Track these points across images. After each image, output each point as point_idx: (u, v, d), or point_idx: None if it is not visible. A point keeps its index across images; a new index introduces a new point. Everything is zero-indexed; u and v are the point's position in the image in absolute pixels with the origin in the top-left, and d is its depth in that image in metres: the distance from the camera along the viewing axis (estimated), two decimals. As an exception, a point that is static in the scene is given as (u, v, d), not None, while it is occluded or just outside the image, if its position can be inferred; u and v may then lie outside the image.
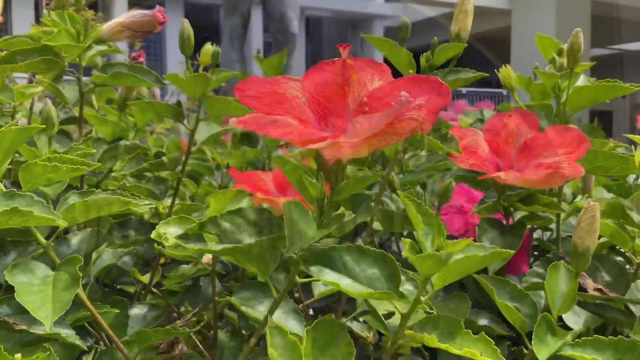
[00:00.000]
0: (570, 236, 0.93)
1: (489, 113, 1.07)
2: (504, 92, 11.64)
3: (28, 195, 0.51)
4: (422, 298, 0.51)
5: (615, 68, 16.34)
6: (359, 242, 0.97)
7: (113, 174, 0.88)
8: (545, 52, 0.94)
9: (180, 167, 0.86)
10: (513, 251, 0.51)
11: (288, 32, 3.96)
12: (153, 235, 0.60)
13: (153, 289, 0.88)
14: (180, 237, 0.51)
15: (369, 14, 14.03)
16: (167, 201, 0.90)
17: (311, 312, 0.96)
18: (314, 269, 0.50)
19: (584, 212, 0.55)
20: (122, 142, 0.87)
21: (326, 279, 0.49)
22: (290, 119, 0.47)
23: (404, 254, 0.46)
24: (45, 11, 1.19)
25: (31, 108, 1.15)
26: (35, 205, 0.50)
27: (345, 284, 0.49)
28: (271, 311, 0.55)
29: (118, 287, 1.01)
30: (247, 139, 1.40)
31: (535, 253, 0.99)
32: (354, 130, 0.43)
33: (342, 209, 0.56)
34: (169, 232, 0.61)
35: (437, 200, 0.51)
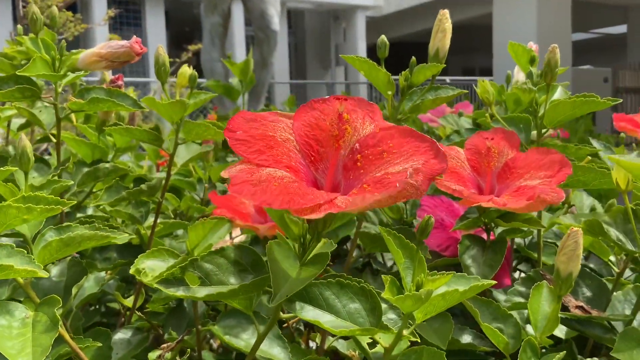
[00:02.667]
0: (552, 242, 0.94)
1: (466, 122, 1.07)
2: (488, 80, 11.68)
3: (8, 245, 0.50)
4: (404, 332, 0.51)
5: (597, 52, 16.44)
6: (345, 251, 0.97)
7: (93, 203, 0.87)
8: (518, 60, 0.95)
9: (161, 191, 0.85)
10: (494, 282, 0.52)
11: (269, 29, 3.94)
12: (132, 271, 0.60)
13: (137, 312, 0.87)
14: (161, 282, 0.51)
15: (350, 4, 13.97)
16: (151, 220, 0.90)
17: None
18: (295, 306, 0.50)
19: (566, 238, 0.56)
20: (101, 165, 0.87)
21: (307, 317, 0.49)
22: (280, 170, 0.46)
23: (384, 295, 0.46)
24: (19, 26, 1.17)
25: (9, 124, 1.14)
26: (15, 257, 0.50)
27: (327, 321, 0.49)
28: (255, 347, 0.55)
29: (106, 304, 1.02)
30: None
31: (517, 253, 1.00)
32: (353, 203, 0.42)
33: (323, 240, 0.56)
34: (147, 267, 0.61)
35: (418, 233, 0.50)
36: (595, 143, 1.07)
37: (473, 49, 15.87)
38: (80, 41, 9.25)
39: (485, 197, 0.69)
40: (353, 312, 0.51)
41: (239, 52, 10.85)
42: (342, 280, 0.52)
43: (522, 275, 1.04)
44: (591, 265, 0.99)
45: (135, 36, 0.72)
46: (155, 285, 0.51)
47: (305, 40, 14.72)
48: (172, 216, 1.18)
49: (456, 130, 0.89)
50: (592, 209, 0.97)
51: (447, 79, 12.18)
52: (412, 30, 14.46)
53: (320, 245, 0.54)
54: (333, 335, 0.75)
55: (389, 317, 0.55)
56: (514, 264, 1.01)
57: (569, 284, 0.56)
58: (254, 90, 3.84)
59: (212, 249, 0.60)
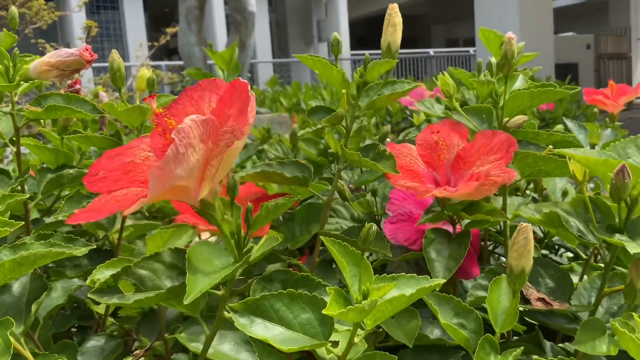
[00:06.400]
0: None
1: (438, 109, 1.06)
2: (471, 51, 11.64)
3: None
4: (355, 339, 0.51)
5: (579, 18, 16.40)
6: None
7: (53, 217, 0.86)
8: (489, 46, 0.94)
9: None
10: (442, 280, 0.52)
11: (246, 11, 3.89)
12: (88, 282, 0.60)
13: (110, 317, 0.87)
14: (95, 291, 0.51)
15: (331, -22, 13.81)
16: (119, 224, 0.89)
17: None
18: (243, 321, 0.50)
19: (516, 234, 0.56)
20: (65, 171, 0.85)
21: (256, 334, 0.49)
22: (132, 188, 0.47)
23: (325, 311, 0.46)
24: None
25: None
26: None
27: (275, 337, 0.49)
28: (205, 349, 0.55)
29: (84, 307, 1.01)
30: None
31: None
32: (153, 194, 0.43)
33: (266, 237, 0.56)
34: (105, 277, 0.61)
35: (360, 242, 0.50)
36: (569, 123, 1.07)
37: (456, 19, 15.79)
38: (57, 28, 9.13)
39: (440, 188, 0.69)
40: (305, 323, 0.50)
41: (220, 33, 10.74)
42: (292, 291, 0.51)
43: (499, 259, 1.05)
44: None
45: (85, 44, 0.71)
46: (90, 296, 0.51)
47: (287, 17, 14.58)
48: (147, 215, 1.18)
49: (427, 120, 0.89)
50: (564, 193, 0.97)
51: (431, 51, 12.12)
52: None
53: (263, 241, 0.54)
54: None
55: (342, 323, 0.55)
56: (490, 247, 1.02)
57: (523, 280, 0.56)
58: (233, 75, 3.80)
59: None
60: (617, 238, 0.57)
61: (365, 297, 0.47)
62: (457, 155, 0.74)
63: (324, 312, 0.46)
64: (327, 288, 0.48)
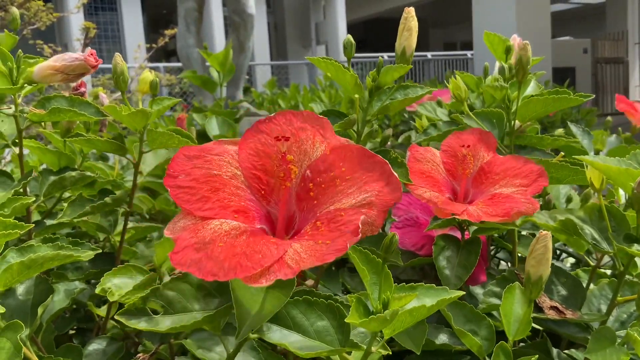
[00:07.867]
0: (531, 233, 0.93)
1: (442, 114, 1.06)
2: (469, 54, 11.64)
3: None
4: (373, 348, 0.50)
5: (576, 22, 16.44)
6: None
7: (56, 220, 0.85)
8: (494, 50, 0.93)
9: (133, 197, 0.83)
10: (462, 293, 0.51)
11: (245, 13, 3.87)
12: (98, 290, 0.59)
13: (112, 320, 0.86)
14: (123, 313, 0.50)
15: (329, -19, 13.81)
16: (121, 227, 0.88)
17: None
18: (261, 327, 0.49)
19: (535, 242, 0.55)
20: (67, 174, 0.85)
21: (273, 339, 0.48)
22: (227, 219, 0.44)
23: (348, 320, 0.45)
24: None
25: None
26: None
27: (293, 342, 0.48)
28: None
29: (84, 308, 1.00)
30: (204, 139, 1.37)
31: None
32: (305, 262, 0.41)
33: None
34: (114, 285, 0.60)
35: (382, 250, 0.49)
36: (573, 128, 1.06)
37: (454, 22, 15.81)
38: (55, 29, 9.11)
39: (460, 207, 0.68)
40: (321, 331, 0.50)
41: (218, 35, 10.72)
42: (309, 298, 0.51)
43: (501, 263, 1.05)
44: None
45: (90, 48, 0.70)
46: (117, 318, 0.49)
47: (285, 20, 14.57)
48: (147, 217, 1.17)
49: (433, 123, 0.88)
50: (569, 199, 0.96)
51: (429, 54, 12.12)
52: (393, 6, 14.37)
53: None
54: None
55: (359, 330, 0.55)
56: (492, 252, 1.01)
57: (540, 287, 0.56)
58: (232, 77, 3.77)
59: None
60: (636, 248, 0.56)
61: (385, 306, 0.47)
62: (481, 169, 0.73)
63: (346, 320, 0.45)
64: (347, 296, 0.48)
